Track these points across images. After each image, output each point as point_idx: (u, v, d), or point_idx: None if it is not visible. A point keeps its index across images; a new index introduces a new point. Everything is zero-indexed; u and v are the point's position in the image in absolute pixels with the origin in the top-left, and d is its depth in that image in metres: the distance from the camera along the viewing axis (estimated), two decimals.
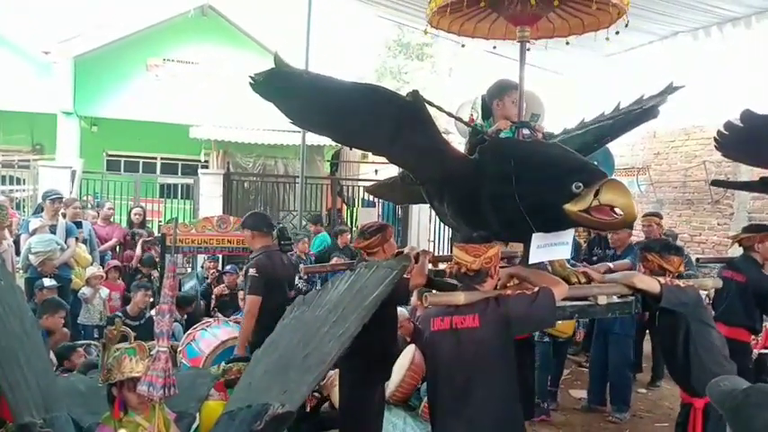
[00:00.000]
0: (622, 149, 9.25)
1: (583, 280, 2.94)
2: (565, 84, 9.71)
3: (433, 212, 10.31)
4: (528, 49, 3.24)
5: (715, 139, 3.22)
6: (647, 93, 3.34)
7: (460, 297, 2.53)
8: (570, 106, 8.61)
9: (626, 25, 3.09)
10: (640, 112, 3.23)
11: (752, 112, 2.75)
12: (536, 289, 2.52)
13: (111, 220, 7.76)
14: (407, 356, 4.92)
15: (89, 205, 8.58)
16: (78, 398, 2.90)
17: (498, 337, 2.49)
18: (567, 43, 3.39)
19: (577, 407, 5.42)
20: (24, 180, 10.74)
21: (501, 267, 2.83)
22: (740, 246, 4.66)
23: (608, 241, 5.75)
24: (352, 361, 3.28)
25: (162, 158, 14.03)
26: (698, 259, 5.74)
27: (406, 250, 3.31)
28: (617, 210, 2.39)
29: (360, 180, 12.45)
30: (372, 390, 3.43)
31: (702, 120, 7.68)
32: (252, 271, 4.20)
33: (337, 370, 3.81)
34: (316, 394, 4.28)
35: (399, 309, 3.54)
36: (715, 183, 6.02)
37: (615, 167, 8.03)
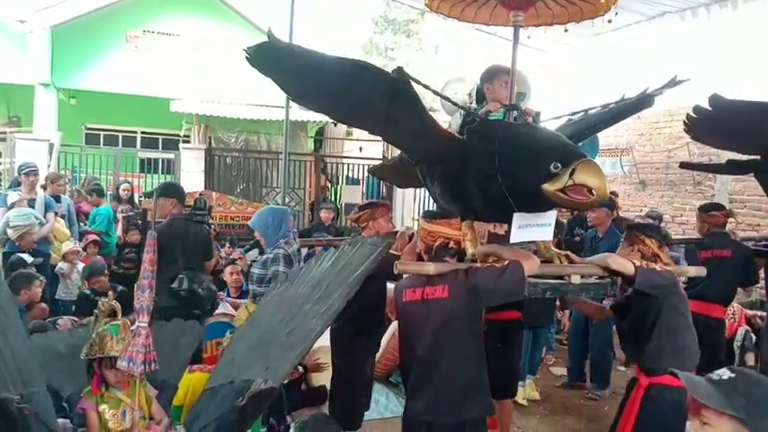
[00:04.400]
0: (607, 130, 9.27)
1: (565, 262, 2.96)
2: (551, 62, 9.68)
3: (418, 192, 10.42)
4: (528, 37, 3.21)
5: (684, 123, 3.25)
6: (651, 83, 3.32)
7: (430, 267, 2.62)
8: (557, 85, 8.60)
9: (616, 14, 3.10)
10: (634, 102, 3.24)
11: (720, 96, 2.78)
12: (506, 262, 2.58)
13: None
14: (389, 331, 4.95)
15: (67, 180, 8.47)
16: (57, 362, 2.86)
17: (466, 308, 2.58)
18: (566, 30, 3.32)
19: (557, 384, 5.50)
20: (1, 153, 10.52)
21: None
22: (709, 225, 4.75)
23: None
24: (342, 333, 3.44)
25: (142, 132, 13.82)
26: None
27: (402, 230, 3.33)
28: (592, 190, 2.41)
29: (344, 157, 12.39)
30: (362, 361, 3.56)
31: (687, 101, 7.67)
32: (152, 233, 4.38)
33: (320, 347, 3.84)
34: (299, 368, 4.31)
35: (389, 285, 3.59)
36: (683, 165, 6.09)
37: (599, 148, 8.06)
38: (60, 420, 2.52)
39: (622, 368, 6.04)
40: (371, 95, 2.33)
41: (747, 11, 7.22)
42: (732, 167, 4.10)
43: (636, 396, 2.96)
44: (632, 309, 3.15)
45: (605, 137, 9.05)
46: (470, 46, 12.55)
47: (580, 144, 3.46)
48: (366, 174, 10.70)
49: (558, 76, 9.23)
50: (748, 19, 7.29)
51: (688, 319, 2.99)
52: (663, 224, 7.16)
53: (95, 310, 2.57)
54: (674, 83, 3.29)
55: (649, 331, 2.92)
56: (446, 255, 2.69)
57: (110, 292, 2.62)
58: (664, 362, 2.84)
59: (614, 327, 5.44)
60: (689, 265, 5.01)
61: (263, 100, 11.21)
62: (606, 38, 8.70)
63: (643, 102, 3.25)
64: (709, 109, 2.81)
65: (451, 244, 2.68)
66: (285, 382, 3.28)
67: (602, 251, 4.83)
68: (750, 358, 5.64)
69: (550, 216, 2.78)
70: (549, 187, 2.43)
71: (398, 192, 10.65)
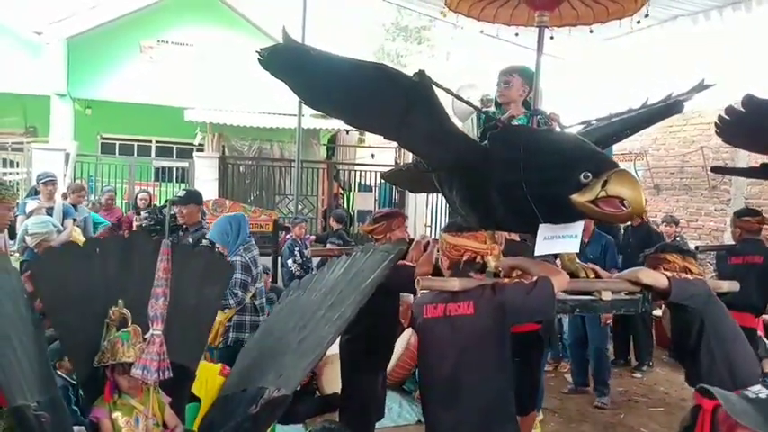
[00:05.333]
0: None
1: (591, 275, 2.84)
2: (565, 68, 9.65)
3: (431, 198, 10.40)
4: (552, 38, 3.12)
5: (716, 125, 3.15)
6: (664, 87, 3.26)
7: (455, 283, 2.48)
8: (571, 90, 8.57)
9: (646, 15, 3.03)
10: (663, 107, 3.15)
11: (754, 96, 2.67)
12: (534, 278, 2.46)
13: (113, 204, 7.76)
14: (404, 339, 4.95)
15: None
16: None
17: (493, 326, 2.42)
18: (591, 31, 3.25)
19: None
20: (18, 163, 10.66)
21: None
22: (742, 230, 4.67)
23: None
24: (354, 346, 3.35)
25: (157, 141, 13.94)
26: (697, 247, 5.78)
27: (417, 238, 3.25)
28: (625, 202, 2.28)
29: (356, 164, 12.42)
30: (373, 375, 3.47)
31: (701, 105, 7.65)
32: (206, 241, 4.40)
33: (332, 354, 3.83)
34: (309, 373, 4.31)
35: (403, 295, 3.53)
36: (715, 169, 5.98)
37: (613, 153, 8.01)
38: (76, 428, 2.54)
39: (638, 375, 6.00)
40: (390, 99, 2.24)
41: (761, 13, 7.15)
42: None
43: (703, 423, 2.70)
44: (673, 328, 3.00)
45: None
46: (482, 52, 12.55)
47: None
48: (378, 180, 10.72)
49: (569, 82, 9.20)
50: (762, 21, 7.23)
51: (733, 325, 2.85)
52: (678, 229, 7.11)
53: (106, 320, 2.58)
54: (701, 87, 3.18)
55: (696, 346, 2.76)
56: (471, 270, 2.54)
57: (119, 300, 2.60)
58: (724, 375, 2.68)
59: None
60: (717, 270, 4.95)
61: (276, 108, 11.28)
62: (617, 42, 8.66)
63: (672, 107, 3.15)
64: (743, 110, 2.71)
65: (478, 258, 2.54)
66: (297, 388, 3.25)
67: (589, 255, 4.81)
68: (765, 365, 5.56)
69: (577, 227, 2.65)
70: (578, 198, 2.30)
71: (411, 198, 10.65)
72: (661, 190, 9.17)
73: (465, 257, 2.54)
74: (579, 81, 9.42)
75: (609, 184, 2.26)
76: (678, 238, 6.92)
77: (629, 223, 6.36)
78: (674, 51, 8.01)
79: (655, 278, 2.74)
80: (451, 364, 2.45)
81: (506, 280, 2.55)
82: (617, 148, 8.66)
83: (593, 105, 3.43)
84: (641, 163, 9.23)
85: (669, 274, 2.78)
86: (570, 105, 3.56)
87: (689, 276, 2.82)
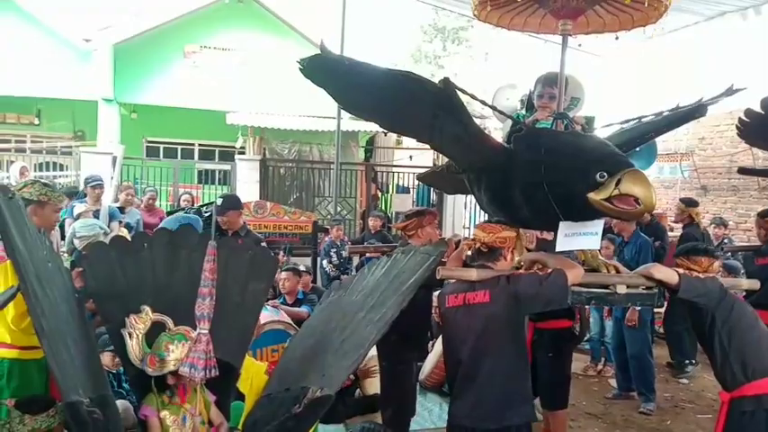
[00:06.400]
0: (665, 135, 9.01)
1: (612, 272, 2.96)
2: (607, 67, 9.48)
3: (469, 199, 10.35)
4: (579, 45, 3.25)
5: (737, 127, 3.15)
6: (711, 85, 3.27)
7: (473, 273, 2.67)
8: (612, 90, 8.41)
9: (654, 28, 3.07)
10: (687, 111, 3.20)
11: None
12: (549, 270, 2.62)
13: (156, 205, 7.95)
14: (441, 342, 4.93)
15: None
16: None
17: (508, 314, 2.60)
18: (617, 38, 3.31)
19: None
20: (67, 166, 11.03)
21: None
22: (767, 231, 4.63)
23: None
24: (389, 340, 3.42)
25: (200, 145, 14.24)
26: (722, 248, 5.66)
27: (449, 236, 3.35)
28: (638, 199, 2.40)
29: (394, 166, 12.44)
30: (408, 367, 3.62)
31: (749, 103, 7.41)
32: (264, 244, 4.61)
33: (373, 355, 3.88)
34: (350, 375, 4.34)
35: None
36: (742, 170, 5.92)
37: (658, 153, 7.84)
38: (119, 401, 2.59)
39: (685, 381, 5.84)
40: (418, 106, 2.39)
41: None
42: None
43: (720, 416, 2.85)
44: (692, 320, 3.09)
45: (663, 141, 8.79)
46: (521, 52, 12.43)
47: (637, 150, 3.41)
48: (416, 182, 10.72)
49: (614, 81, 9.03)
50: None
51: (749, 319, 2.86)
52: (727, 231, 6.91)
53: (123, 330, 2.55)
54: (730, 92, 3.22)
55: (711, 340, 2.86)
56: (486, 260, 2.72)
57: (146, 307, 2.58)
58: (736, 368, 2.77)
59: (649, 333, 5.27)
60: (745, 271, 4.89)
61: (315, 111, 11.40)
62: (661, 41, 8.46)
63: (695, 111, 3.20)
64: (761, 112, 2.73)
65: (479, 245, 2.71)
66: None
67: (626, 256, 4.81)
68: None
69: (597, 225, 2.77)
70: (594, 196, 2.44)
71: (449, 200, 10.61)
72: (708, 191, 8.92)
73: (466, 243, 2.77)
74: (624, 81, 9.23)
75: (622, 182, 2.39)
76: (726, 241, 6.72)
77: (680, 225, 6.27)
78: (723, 48, 7.77)
79: (666, 274, 2.81)
80: (470, 349, 2.64)
81: (522, 271, 2.73)
82: (661, 148, 8.48)
83: (639, 104, 3.40)
84: (687, 163, 9.01)
85: (681, 271, 2.85)
86: (616, 105, 3.54)
87: (700, 275, 2.88)
